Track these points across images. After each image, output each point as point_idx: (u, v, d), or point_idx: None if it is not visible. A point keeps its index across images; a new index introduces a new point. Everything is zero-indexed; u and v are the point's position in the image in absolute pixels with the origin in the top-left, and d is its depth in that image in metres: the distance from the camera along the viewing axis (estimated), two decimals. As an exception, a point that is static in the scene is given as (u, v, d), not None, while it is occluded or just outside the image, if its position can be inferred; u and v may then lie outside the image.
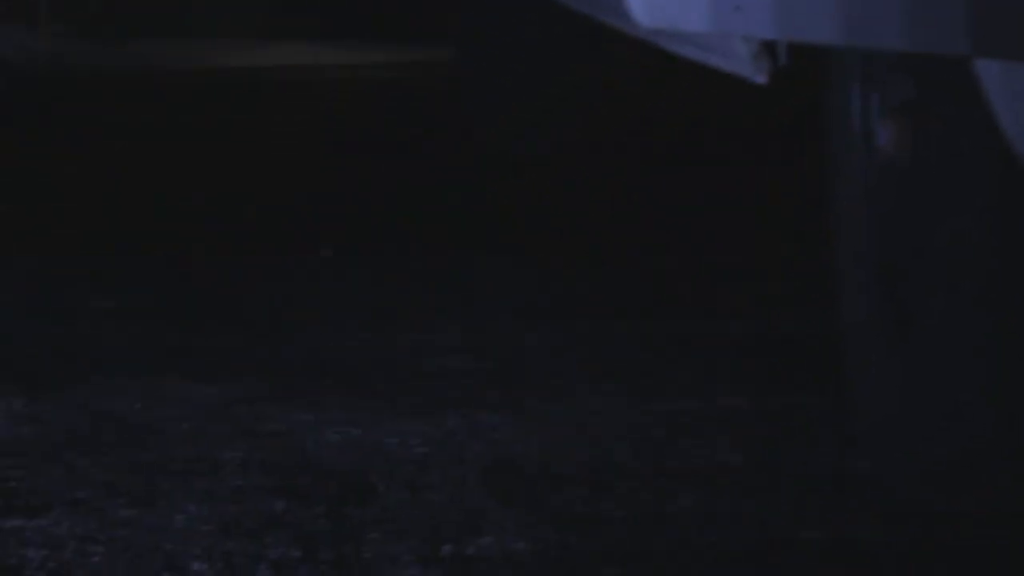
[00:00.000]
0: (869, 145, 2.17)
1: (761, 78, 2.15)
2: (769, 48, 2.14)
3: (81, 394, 2.66)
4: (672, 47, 2.54)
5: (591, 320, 3.09)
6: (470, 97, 4.63)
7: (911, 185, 2.09)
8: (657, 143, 4.62)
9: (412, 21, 5.97)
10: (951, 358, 2.06)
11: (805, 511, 2.18)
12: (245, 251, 3.64)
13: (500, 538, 2.08)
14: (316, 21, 6.26)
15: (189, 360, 2.85)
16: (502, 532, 2.10)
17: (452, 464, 2.34)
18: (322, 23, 6.25)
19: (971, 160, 2.00)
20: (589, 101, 4.51)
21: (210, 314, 3.17)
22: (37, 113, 5.25)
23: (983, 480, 2.08)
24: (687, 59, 2.51)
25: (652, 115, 4.93)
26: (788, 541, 2.09)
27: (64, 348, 2.94)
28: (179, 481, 2.28)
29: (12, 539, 2.08)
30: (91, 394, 2.66)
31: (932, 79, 2.02)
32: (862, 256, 2.22)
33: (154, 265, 3.54)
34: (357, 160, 4.55)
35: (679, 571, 2.01)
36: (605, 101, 4.56)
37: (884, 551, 2.06)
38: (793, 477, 2.30)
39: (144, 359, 2.86)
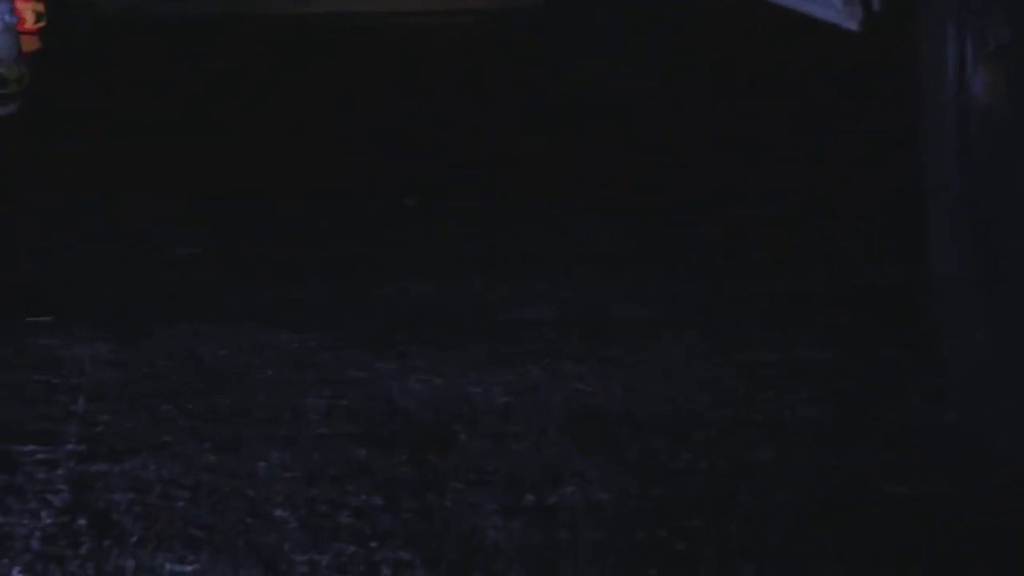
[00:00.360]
0: (963, 93, 2.13)
1: (853, 25, 2.11)
2: None
3: (166, 341, 2.68)
4: None
5: (673, 271, 3.07)
6: (553, 44, 4.61)
7: (1005, 134, 2.06)
8: (741, 91, 4.57)
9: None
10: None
11: (889, 465, 2.16)
12: (329, 199, 3.65)
13: (582, 488, 2.08)
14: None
15: (273, 308, 2.86)
16: (584, 482, 2.10)
17: (534, 414, 2.34)
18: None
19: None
20: (672, 49, 4.47)
21: (294, 262, 3.18)
22: (122, 56, 5.28)
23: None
24: (777, 5, 2.48)
25: (736, 63, 4.88)
26: (871, 495, 2.08)
27: (150, 295, 2.96)
28: (262, 428, 2.30)
29: (99, 483, 2.10)
30: (176, 341, 2.68)
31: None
32: (953, 206, 2.19)
33: (239, 213, 3.56)
34: (439, 108, 4.55)
35: (760, 523, 2.00)
36: (688, 49, 4.53)
37: (969, 506, 2.04)
38: (877, 430, 2.28)
39: (228, 307, 2.88)
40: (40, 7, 3.61)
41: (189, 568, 1.88)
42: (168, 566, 1.88)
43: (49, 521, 1.99)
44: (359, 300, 2.92)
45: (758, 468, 2.16)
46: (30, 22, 3.61)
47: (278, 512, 2.04)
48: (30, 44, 3.59)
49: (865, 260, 3.10)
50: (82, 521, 1.99)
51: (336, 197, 3.66)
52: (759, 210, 3.49)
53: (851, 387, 2.45)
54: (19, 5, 3.50)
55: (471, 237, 3.34)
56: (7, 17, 3.44)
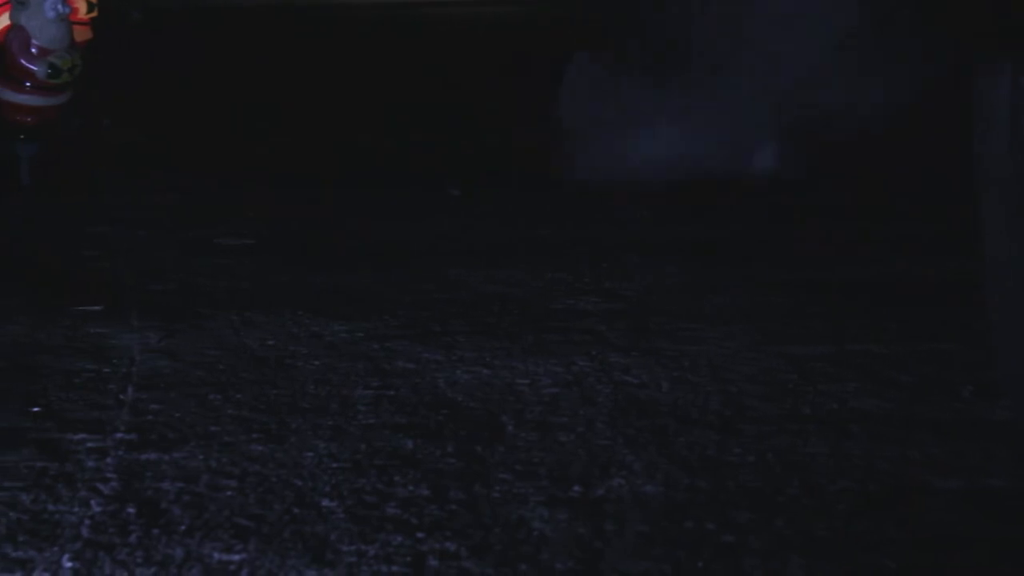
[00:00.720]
0: (1016, 88, 2.11)
1: None
2: None
3: (215, 330, 2.69)
4: None
5: (723, 264, 3.06)
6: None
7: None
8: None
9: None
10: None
11: (940, 459, 2.14)
12: (376, 190, 3.65)
13: (629, 480, 2.07)
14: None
15: (322, 298, 2.87)
16: (631, 474, 2.09)
17: (582, 405, 2.34)
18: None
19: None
20: None
21: (341, 252, 3.18)
22: (172, 45, 5.29)
23: None
24: None
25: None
26: (922, 488, 2.06)
27: (199, 285, 2.97)
28: (310, 418, 2.30)
29: (149, 472, 2.11)
30: (225, 330, 2.69)
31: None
32: (1006, 197, 2.17)
33: (289, 203, 3.57)
34: (490, 99, 4.54)
35: (809, 516, 1.99)
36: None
37: (1020, 500, 2.02)
38: (927, 424, 2.26)
39: (276, 296, 2.89)
40: (92, -3, 3.62)
41: (237, 557, 1.88)
42: (216, 555, 1.88)
43: (99, 509, 1.99)
44: (405, 290, 2.92)
45: (808, 461, 2.14)
46: (83, 12, 3.63)
47: (325, 502, 2.04)
48: (83, 34, 3.62)
49: (917, 253, 3.08)
50: (131, 510, 2.00)
51: (385, 187, 3.66)
52: (809, 201, 3.47)
53: (902, 380, 2.43)
54: (71, -5, 3.52)
55: (519, 228, 3.34)
56: (60, 7, 3.46)
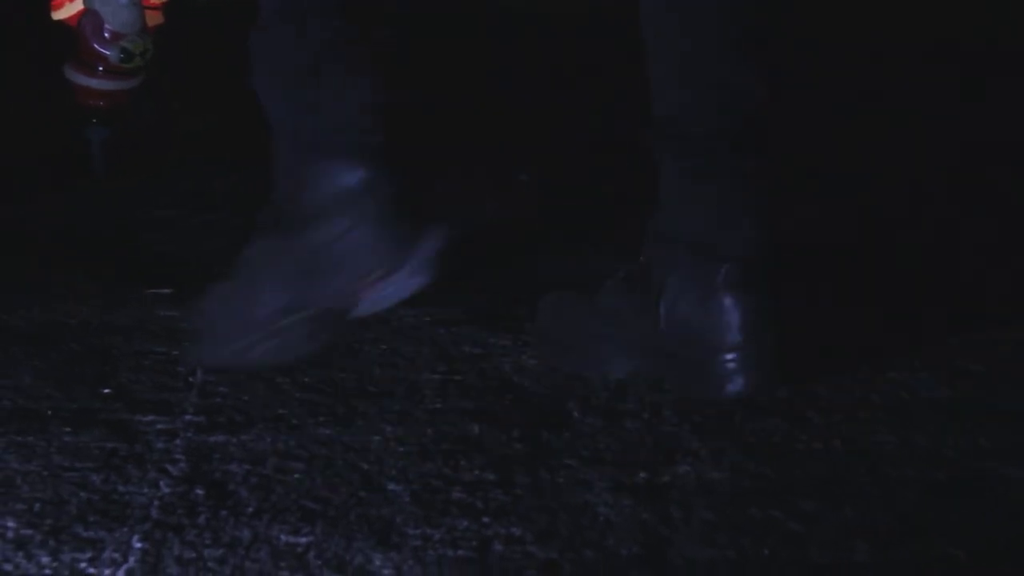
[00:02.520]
0: None
1: None
2: None
3: (283, 314, 2.70)
4: None
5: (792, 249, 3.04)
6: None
7: None
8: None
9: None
10: None
11: (1009, 448, 2.13)
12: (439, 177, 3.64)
13: (695, 467, 2.07)
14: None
15: (388, 282, 2.87)
16: (697, 461, 2.09)
17: (648, 392, 2.33)
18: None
19: None
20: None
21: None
22: (241, 31, 5.31)
23: None
24: None
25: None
26: (989, 477, 2.05)
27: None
28: (376, 402, 2.31)
29: (217, 454, 2.12)
30: (293, 314, 2.70)
31: None
32: None
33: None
34: (551, 83, 4.53)
35: (876, 504, 1.98)
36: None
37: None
38: (996, 413, 2.25)
39: (344, 280, 2.89)
40: (164, -18, 3.65)
41: (303, 540, 1.89)
42: (283, 537, 1.90)
43: (167, 491, 2.01)
44: (473, 276, 2.92)
45: (875, 449, 2.13)
46: (154, -3, 3.65)
47: (391, 486, 2.05)
48: (154, 19, 3.64)
49: (991, 239, 3.05)
50: (199, 491, 2.01)
51: (452, 170, 3.65)
52: (878, 192, 3.44)
53: (973, 369, 2.41)
54: (143, -19, 3.54)
55: (585, 211, 3.33)
56: (132, -8, 3.48)
